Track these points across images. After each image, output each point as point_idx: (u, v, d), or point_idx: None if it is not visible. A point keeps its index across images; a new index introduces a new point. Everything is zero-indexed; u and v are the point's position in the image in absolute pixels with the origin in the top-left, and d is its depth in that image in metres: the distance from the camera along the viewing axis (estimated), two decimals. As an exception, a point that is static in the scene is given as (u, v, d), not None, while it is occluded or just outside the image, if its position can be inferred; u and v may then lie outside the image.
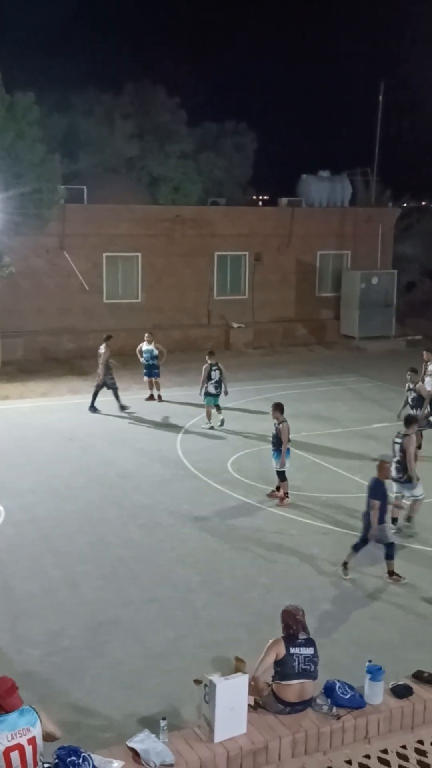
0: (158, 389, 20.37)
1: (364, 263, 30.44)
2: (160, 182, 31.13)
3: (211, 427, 17.82)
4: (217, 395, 17.95)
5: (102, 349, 19.15)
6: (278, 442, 13.40)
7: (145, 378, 20.41)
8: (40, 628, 9.38)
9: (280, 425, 13.39)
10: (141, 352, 20.20)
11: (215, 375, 17.89)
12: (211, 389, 17.87)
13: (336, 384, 22.16)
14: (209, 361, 18.01)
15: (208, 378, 17.90)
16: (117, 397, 19.27)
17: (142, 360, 20.22)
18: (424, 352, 17.90)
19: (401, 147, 40.61)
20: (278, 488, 13.68)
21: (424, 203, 46.84)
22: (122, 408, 19.16)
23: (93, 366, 24.34)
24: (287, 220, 29.23)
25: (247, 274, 29.07)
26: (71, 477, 14.60)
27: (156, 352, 20.00)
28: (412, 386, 16.13)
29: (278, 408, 13.61)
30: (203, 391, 17.92)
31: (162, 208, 28.72)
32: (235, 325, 27.87)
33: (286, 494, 13.53)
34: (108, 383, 19.12)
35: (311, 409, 19.49)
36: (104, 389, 19.08)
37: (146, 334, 20.40)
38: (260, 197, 41.87)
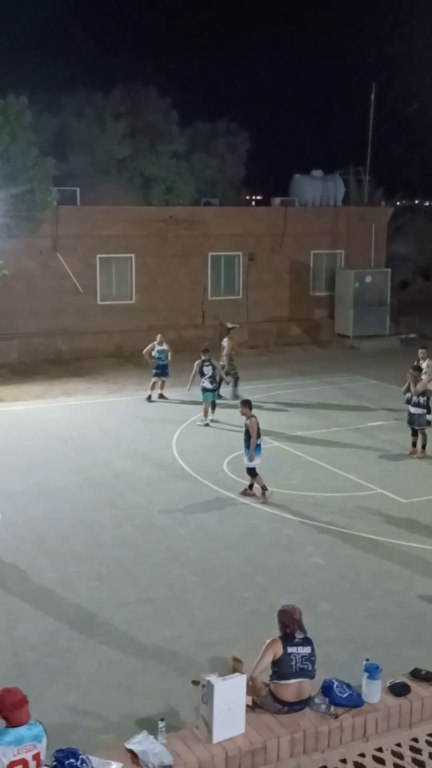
0: (161, 388, 20.37)
1: (358, 262, 30.46)
2: (153, 183, 31.10)
3: (207, 424, 17.89)
4: (213, 390, 18.20)
5: (225, 342, 20.26)
6: (249, 438, 13.45)
7: (154, 378, 20.30)
8: (36, 629, 9.34)
9: (249, 421, 13.46)
10: (150, 352, 20.26)
11: (208, 371, 18.13)
12: (207, 384, 18.07)
13: (331, 383, 22.16)
14: (202, 357, 18.25)
15: (201, 374, 18.14)
16: (236, 386, 20.25)
17: (152, 360, 20.22)
18: (420, 351, 17.88)
19: (393, 146, 40.69)
20: (251, 486, 13.68)
21: (416, 202, 46.98)
22: (236, 398, 19.20)
23: (88, 367, 24.40)
24: (280, 219, 29.24)
25: (241, 274, 29.06)
26: (66, 478, 14.57)
27: (168, 352, 20.29)
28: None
29: (246, 404, 13.73)
30: (190, 387, 18.42)
31: (155, 209, 28.70)
32: (230, 325, 27.82)
33: (264, 488, 13.48)
34: (231, 373, 19.98)
35: (306, 409, 19.49)
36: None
37: (158, 335, 20.64)
38: (253, 197, 41.96)
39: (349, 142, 37.20)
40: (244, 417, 13.59)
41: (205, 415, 18.07)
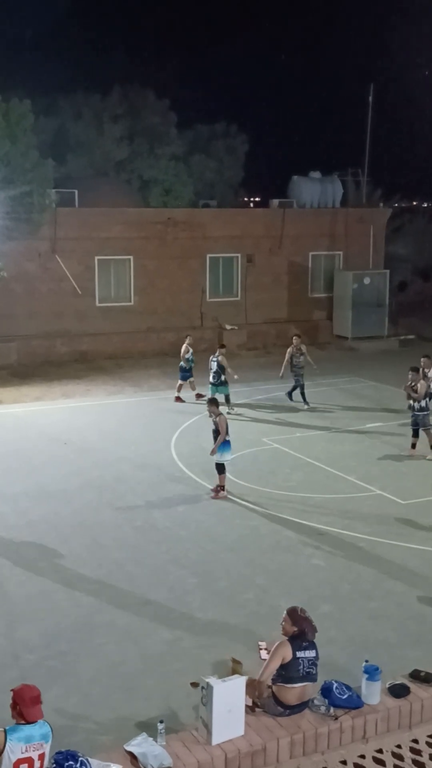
0: (193, 388, 20.45)
1: (356, 264, 30.48)
2: (151, 185, 31.14)
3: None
4: (215, 385, 18.88)
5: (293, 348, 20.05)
6: (218, 435, 13.57)
7: (182, 381, 20.33)
8: (37, 631, 9.35)
9: (217, 418, 13.59)
10: (184, 355, 20.30)
11: (213, 366, 18.97)
12: (210, 379, 19.05)
13: (329, 384, 22.16)
14: (216, 353, 19.21)
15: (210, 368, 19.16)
16: (294, 390, 19.97)
17: (184, 364, 20.28)
18: (423, 359, 17.67)
19: (391, 147, 40.76)
20: (222, 486, 13.77)
21: (414, 203, 47.04)
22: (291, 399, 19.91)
23: (87, 369, 24.41)
24: (279, 221, 29.26)
25: (239, 276, 29.08)
26: (66, 480, 14.58)
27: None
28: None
29: (213, 403, 13.96)
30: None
31: (153, 211, 28.71)
32: (228, 327, 27.88)
33: (221, 487, 13.63)
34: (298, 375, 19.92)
35: (305, 410, 19.49)
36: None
37: (189, 338, 21.02)
38: (251, 199, 41.98)
39: (347, 143, 37.28)
40: (212, 416, 13.73)
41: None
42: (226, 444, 13.61)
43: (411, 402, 15.79)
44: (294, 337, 20.23)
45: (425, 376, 16.81)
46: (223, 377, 18.87)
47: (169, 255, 27.74)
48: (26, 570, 10.97)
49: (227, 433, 13.61)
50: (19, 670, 8.51)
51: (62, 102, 32.58)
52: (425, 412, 15.75)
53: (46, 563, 11.18)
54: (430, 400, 15.80)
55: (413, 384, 15.70)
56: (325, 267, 30.42)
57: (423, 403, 15.67)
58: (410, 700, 6.99)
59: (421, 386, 15.64)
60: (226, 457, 13.70)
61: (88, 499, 13.66)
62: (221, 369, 18.82)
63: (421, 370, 16.65)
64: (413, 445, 15.95)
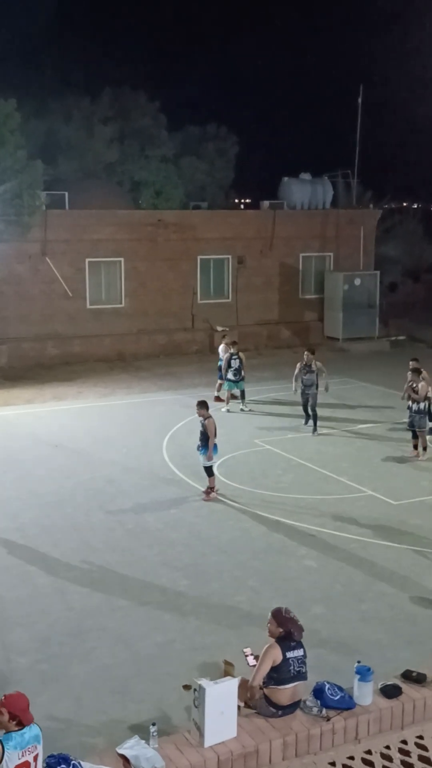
0: (218, 390, 20.48)
1: (347, 265, 30.53)
2: (142, 187, 31.09)
3: (228, 410, 19.25)
4: (235, 381, 19.55)
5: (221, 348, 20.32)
6: (206, 438, 13.53)
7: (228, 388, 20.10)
8: (28, 635, 9.32)
9: (206, 421, 13.56)
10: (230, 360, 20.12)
11: (235, 363, 19.50)
12: (230, 376, 19.56)
13: (321, 385, 22.15)
14: (231, 350, 19.75)
15: (229, 365, 19.51)
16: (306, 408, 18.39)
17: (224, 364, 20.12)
18: (412, 361, 17.66)
19: (381, 148, 40.87)
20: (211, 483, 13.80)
21: (405, 204, 47.17)
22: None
23: (78, 372, 24.35)
24: (269, 222, 29.29)
25: (230, 278, 29.10)
26: (57, 483, 14.55)
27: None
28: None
29: (203, 405, 13.84)
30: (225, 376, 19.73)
31: (144, 213, 28.70)
32: (219, 329, 27.88)
33: (211, 488, 13.65)
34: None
35: (296, 411, 19.48)
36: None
37: (227, 337, 21.42)
38: (242, 200, 41.98)
39: (337, 145, 37.34)
40: (201, 418, 13.71)
41: (227, 402, 19.56)
42: (213, 447, 13.57)
43: (410, 403, 15.83)
44: (305, 353, 18.18)
45: (423, 379, 16.93)
46: (243, 373, 19.54)
47: (160, 257, 27.73)
48: (17, 573, 10.94)
49: (215, 435, 13.60)
50: (10, 673, 8.49)
51: (52, 104, 32.50)
52: (422, 414, 15.76)
53: (38, 567, 11.15)
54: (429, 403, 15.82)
55: (414, 385, 15.75)
56: (316, 268, 30.47)
57: (422, 405, 15.68)
58: (402, 701, 7.01)
59: (422, 387, 15.66)
60: (214, 460, 13.67)
61: (80, 501, 13.63)
62: (242, 365, 19.48)
63: (421, 374, 16.76)
64: (415, 446, 15.95)
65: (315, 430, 17.62)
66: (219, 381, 20.49)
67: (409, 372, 16.10)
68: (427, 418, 15.83)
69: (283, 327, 29.52)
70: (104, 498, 13.81)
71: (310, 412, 17.96)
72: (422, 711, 7.04)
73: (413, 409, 15.76)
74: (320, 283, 30.16)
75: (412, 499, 13.80)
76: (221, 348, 20.78)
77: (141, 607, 9.99)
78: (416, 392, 15.67)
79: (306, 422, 18.08)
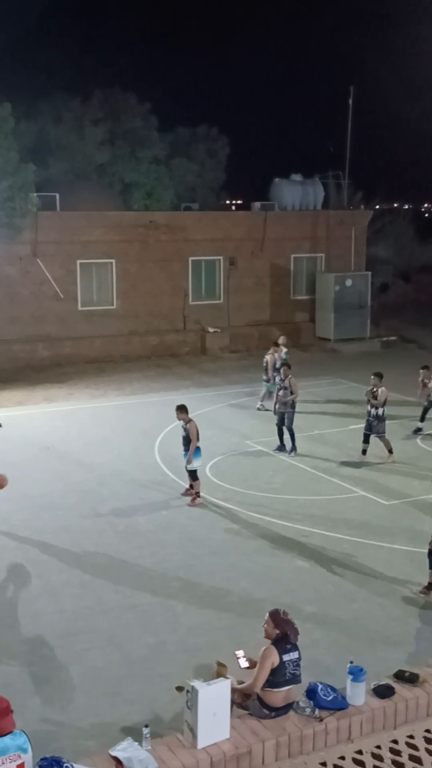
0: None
1: (338, 266, 30.56)
2: (133, 188, 31.04)
3: (258, 408, 19.57)
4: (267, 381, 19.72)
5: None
6: (189, 442, 13.47)
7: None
8: (19, 637, 9.29)
9: (188, 425, 13.50)
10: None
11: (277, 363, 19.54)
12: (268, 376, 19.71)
13: (312, 386, 22.19)
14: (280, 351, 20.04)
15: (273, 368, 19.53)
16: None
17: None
18: (422, 370, 17.75)
19: (372, 150, 40.96)
20: (191, 486, 13.72)
21: (395, 205, 47.29)
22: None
23: (69, 373, 24.29)
24: (260, 224, 29.30)
25: (221, 279, 29.08)
26: (48, 485, 14.50)
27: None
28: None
29: (182, 409, 13.69)
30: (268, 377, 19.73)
31: (135, 214, 28.65)
32: (211, 330, 27.88)
33: (197, 494, 13.58)
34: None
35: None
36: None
37: (282, 338, 21.35)
38: (233, 202, 42.00)
39: (328, 146, 37.38)
40: (182, 422, 13.61)
41: (261, 399, 19.75)
42: (196, 450, 13.51)
43: (368, 408, 15.83)
44: (283, 368, 17.25)
45: (425, 386, 17.11)
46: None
47: (151, 258, 27.70)
48: (8, 576, 10.90)
49: (198, 439, 13.55)
50: (1, 676, 8.45)
51: (43, 106, 32.40)
52: (379, 420, 15.73)
53: (29, 569, 11.12)
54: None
55: (374, 389, 15.75)
56: (307, 269, 30.49)
57: (380, 411, 15.66)
58: (395, 701, 7.01)
59: (381, 392, 15.67)
60: (196, 464, 13.59)
61: (71, 503, 13.60)
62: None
63: (421, 380, 17.04)
64: (364, 452, 15.93)
65: (294, 449, 16.22)
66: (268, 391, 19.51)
67: (373, 377, 15.98)
68: (384, 423, 15.79)
69: (274, 328, 29.47)
70: (95, 500, 13.78)
71: (286, 432, 16.37)
72: (415, 711, 7.04)
73: (371, 414, 15.76)
74: (311, 284, 30.18)
75: (404, 499, 13.82)
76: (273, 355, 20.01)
77: (133, 609, 9.97)
78: (375, 397, 15.67)
79: (277, 449, 16.41)
